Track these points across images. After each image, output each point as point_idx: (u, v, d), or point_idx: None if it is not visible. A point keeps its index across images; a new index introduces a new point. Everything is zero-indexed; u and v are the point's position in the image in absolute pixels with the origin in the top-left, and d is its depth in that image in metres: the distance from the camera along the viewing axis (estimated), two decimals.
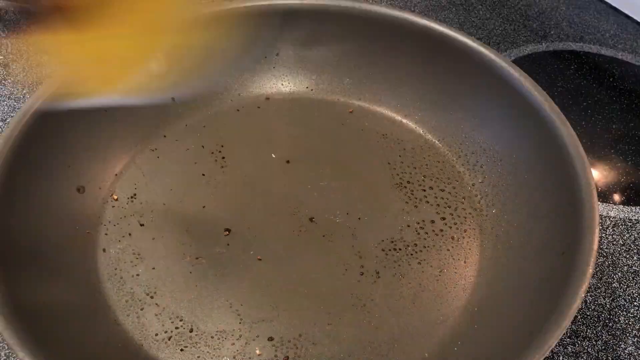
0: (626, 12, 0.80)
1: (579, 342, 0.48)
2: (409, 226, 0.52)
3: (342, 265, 0.49)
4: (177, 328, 0.45)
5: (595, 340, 0.48)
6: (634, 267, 0.53)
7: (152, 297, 0.47)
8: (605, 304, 0.50)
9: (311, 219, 0.52)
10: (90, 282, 0.47)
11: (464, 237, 0.51)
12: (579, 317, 0.50)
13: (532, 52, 0.74)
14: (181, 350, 0.44)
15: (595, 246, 0.41)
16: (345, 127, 0.59)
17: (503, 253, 0.49)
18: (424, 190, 0.54)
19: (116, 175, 0.54)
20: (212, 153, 0.57)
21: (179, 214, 0.52)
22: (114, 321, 0.45)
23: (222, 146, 0.57)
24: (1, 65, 0.68)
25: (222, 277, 0.48)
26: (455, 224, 0.52)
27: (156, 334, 0.45)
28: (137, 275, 0.48)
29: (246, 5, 0.57)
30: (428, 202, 0.54)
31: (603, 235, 0.55)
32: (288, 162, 0.56)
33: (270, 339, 0.45)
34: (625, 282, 0.52)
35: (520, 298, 0.45)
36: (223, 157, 0.57)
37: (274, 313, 0.46)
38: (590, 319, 0.49)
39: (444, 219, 0.52)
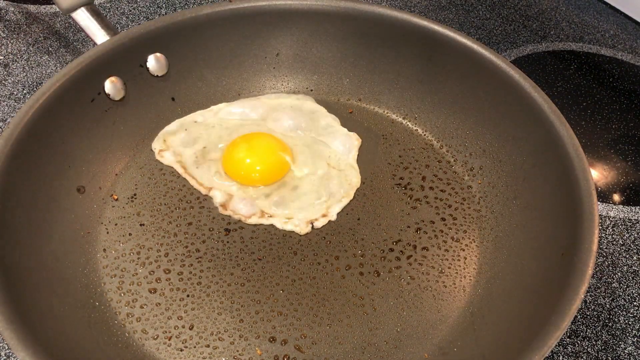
0: (626, 12, 0.81)
1: (579, 342, 0.48)
2: (408, 227, 0.52)
3: (342, 265, 0.49)
4: (177, 328, 0.45)
5: (595, 340, 0.48)
6: (633, 267, 0.53)
7: (152, 297, 0.47)
8: (605, 304, 0.51)
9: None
10: (91, 282, 0.47)
11: (463, 238, 0.51)
12: (579, 317, 0.50)
13: (532, 52, 0.74)
14: (181, 350, 0.44)
15: (595, 247, 0.41)
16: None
17: (502, 253, 0.49)
18: (424, 191, 0.54)
19: (116, 175, 0.54)
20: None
21: (179, 214, 0.52)
22: (114, 321, 0.45)
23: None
24: (1, 65, 0.68)
25: (222, 277, 0.48)
26: (454, 224, 0.52)
27: (156, 334, 0.45)
28: (137, 275, 0.48)
29: (246, 5, 0.57)
30: (428, 202, 0.54)
31: (603, 235, 0.55)
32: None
33: (271, 339, 0.45)
34: (625, 282, 0.52)
35: (520, 298, 0.45)
36: None
37: (274, 313, 0.46)
38: (590, 319, 0.50)
39: (443, 219, 0.52)
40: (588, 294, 0.51)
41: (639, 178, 0.60)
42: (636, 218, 0.57)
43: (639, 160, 0.62)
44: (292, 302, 0.47)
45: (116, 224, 0.51)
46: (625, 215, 0.57)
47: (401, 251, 0.50)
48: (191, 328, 0.45)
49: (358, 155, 0.57)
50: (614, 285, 0.52)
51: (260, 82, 0.62)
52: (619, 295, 0.51)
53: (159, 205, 0.53)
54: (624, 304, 0.51)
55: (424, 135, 0.59)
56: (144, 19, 0.76)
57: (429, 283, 0.48)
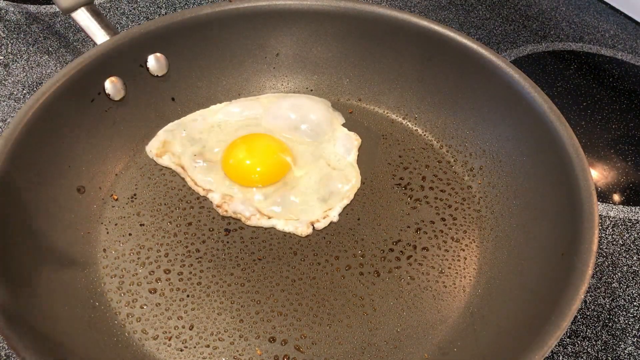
0: (626, 12, 0.81)
1: (579, 342, 0.48)
2: (408, 227, 0.52)
3: (342, 266, 0.49)
4: (177, 328, 0.45)
5: (595, 340, 0.48)
6: (633, 267, 0.53)
7: (152, 297, 0.47)
8: (605, 304, 0.51)
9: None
10: (91, 282, 0.47)
11: (463, 238, 0.51)
12: (579, 317, 0.50)
13: (531, 52, 0.74)
14: (181, 350, 0.44)
15: (595, 247, 0.41)
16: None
17: (502, 254, 0.49)
18: (424, 191, 0.54)
19: (116, 175, 0.54)
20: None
21: (179, 214, 0.52)
22: (114, 321, 0.45)
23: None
24: (1, 65, 0.68)
25: (222, 277, 0.48)
26: (454, 224, 0.52)
27: (156, 334, 0.45)
28: (137, 275, 0.48)
29: (246, 5, 0.57)
30: (428, 202, 0.54)
31: (603, 235, 0.55)
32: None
33: (271, 339, 0.45)
34: (625, 282, 0.52)
35: (520, 298, 0.45)
36: None
37: (274, 313, 0.46)
38: (590, 319, 0.50)
39: (443, 219, 0.52)
40: (588, 294, 0.51)
41: (639, 178, 0.60)
42: (636, 218, 0.57)
43: (639, 160, 0.62)
44: (292, 302, 0.47)
45: (116, 224, 0.51)
46: (625, 215, 0.57)
47: (401, 251, 0.50)
48: (191, 328, 0.45)
49: (358, 155, 0.57)
50: (614, 285, 0.52)
51: (260, 82, 0.62)
52: (619, 295, 0.51)
53: (159, 205, 0.53)
54: (624, 304, 0.51)
55: (424, 135, 0.59)
56: (144, 19, 0.76)
57: (429, 283, 0.48)
